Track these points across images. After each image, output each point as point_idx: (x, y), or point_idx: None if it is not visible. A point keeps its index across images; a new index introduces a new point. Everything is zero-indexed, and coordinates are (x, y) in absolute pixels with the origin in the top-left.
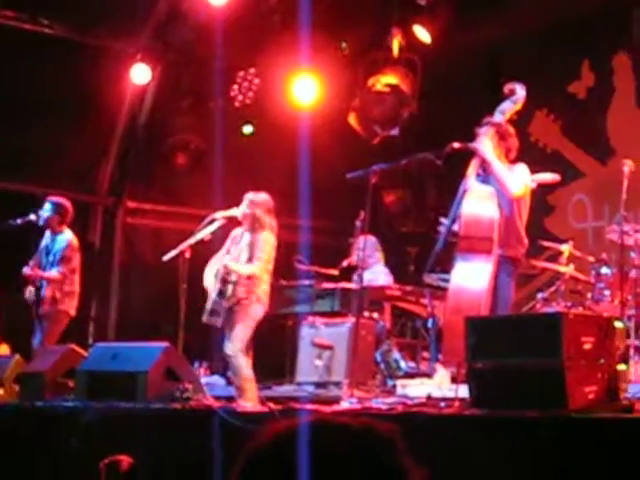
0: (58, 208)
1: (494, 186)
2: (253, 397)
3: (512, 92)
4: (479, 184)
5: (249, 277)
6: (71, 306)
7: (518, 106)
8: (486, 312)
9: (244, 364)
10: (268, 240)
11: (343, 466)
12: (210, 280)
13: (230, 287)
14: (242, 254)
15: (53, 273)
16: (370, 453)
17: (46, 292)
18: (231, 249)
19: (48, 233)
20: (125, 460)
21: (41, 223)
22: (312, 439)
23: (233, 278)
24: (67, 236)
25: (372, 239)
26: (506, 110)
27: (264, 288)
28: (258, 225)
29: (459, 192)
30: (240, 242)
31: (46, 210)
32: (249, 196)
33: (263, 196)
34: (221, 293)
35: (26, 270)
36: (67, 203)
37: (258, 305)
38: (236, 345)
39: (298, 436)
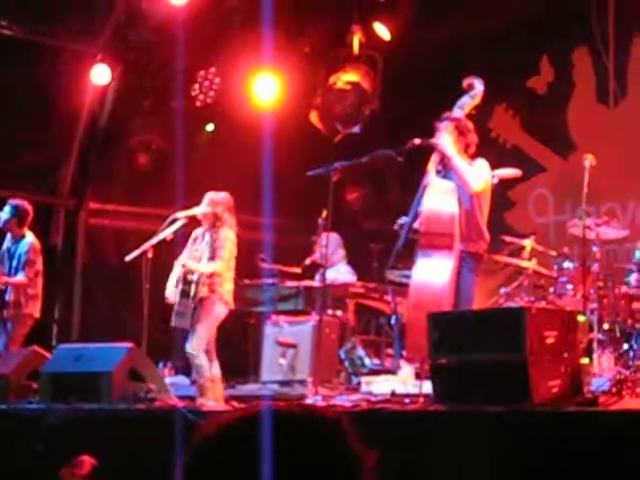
0: (17, 211)
1: (454, 181)
2: (217, 396)
3: (470, 87)
4: (439, 179)
5: (211, 275)
6: (35, 308)
7: (477, 100)
8: (448, 308)
9: (205, 363)
10: (228, 237)
11: (290, 455)
12: (171, 289)
13: (193, 287)
14: (204, 253)
15: (20, 278)
16: (318, 439)
17: (11, 296)
18: (192, 250)
19: (9, 236)
20: (87, 461)
21: (1, 226)
22: (257, 429)
23: (194, 277)
24: (29, 239)
25: (335, 236)
26: (465, 105)
27: (227, 287)
28: (219, 223)
29: (420, 188)
30: (202, 242)
31: (5, 212)
32: (209, 195)
33: (223, 194)
34: (184, 293)
35: None
36: (27, 205)
37: (221, 304)
38: (197, 344)
39: (243, 427)
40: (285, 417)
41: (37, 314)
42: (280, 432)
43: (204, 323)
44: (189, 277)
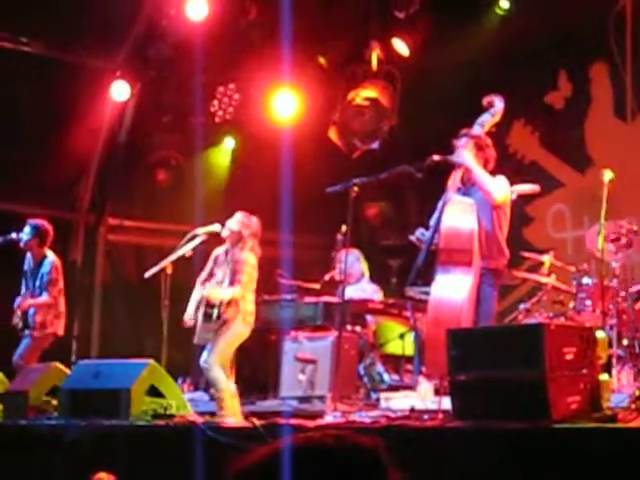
0: (38, 231)
1: (475, 198)
2: (234, 411)
3: (490, 104)
4: (459, 196)
5: (230, 301)
6: (59, 327)
7: (496, 118)
8: (466, 324)
9: (220, 376)
10: (249, 261)
11: None
12: (190, 313)
13: (215, 310)
14: (225, 277)
15: (44, 298)
16: (356, 472)
17: (36, 317)
18: (215, 271)
19: (29, 255)
20: (106, 478)
21: (22, 246)
22: (297, 462)
23: (217, 301)
24: (50, 258)
25: (355, 252)
26: (485, 122)
27: (250, 309)
28: (241, 244)
29: (438, 205)
30: (223, 262)
31: (26, 233)
32: (240, 215)
33: (254, 219)
34: (207, 315)
35: (18, 303)
36: (47, 225)
37: (243, 325)
38: (213, 358)
39: (283, 458)
40: (321, 451)
41: (60, 332)
42: (321, 466)
43: (224, 339)
44: (213, 301)
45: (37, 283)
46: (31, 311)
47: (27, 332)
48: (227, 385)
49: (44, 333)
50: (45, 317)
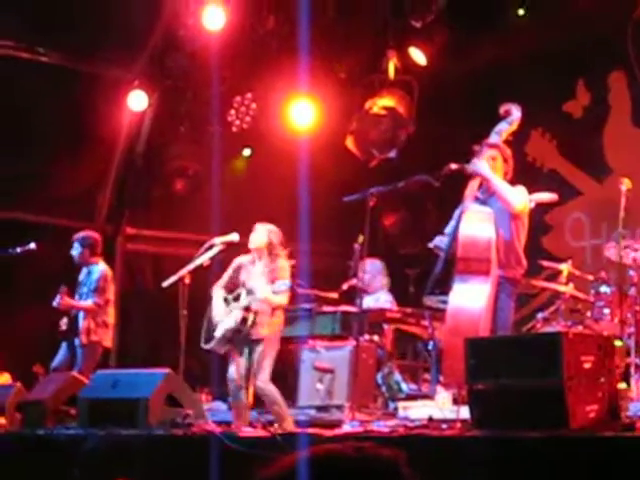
0: (85, 242)
1: (493, 207)
2: (290, 420)
3: (508, 113)
4: (476, 206)
5: (275, 308)
6: (105, 337)
7: (514, 127)
8: (485, 333)
9: (275, 390)
10: (286, 267)
11: None
12: (220, 308)
13: (251, 316)
14: (258, 281)
15: (87, 303)
16: None
17: (83, 323)
18: (241, 280)
19: (83, 268)
20: None
21: (76, 262)
22: (318, 472)
23: (251, 317)
24: (100, 267)
25: (378, 263)
26: (502, 131)
27: (282, 317)
28: (275, 252)
29: (455, 214)
30: (251, 271)
31: (75, 249)
32: (264, 226)
33: (275, 228)
34: (244, 320)
35: (56, 302)
36: (94, 234)
37: (279, 335)
38: (265, 376)
39: (304, 468)
40: (342, 462)
41: (108, 343)
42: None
43: (269, 356)
44: (252, 307)
45: (84, 290)
46: (80, 316)
47: (76, 341)
48: (282, 399)
49: (90, 341)
50: (89, 324)
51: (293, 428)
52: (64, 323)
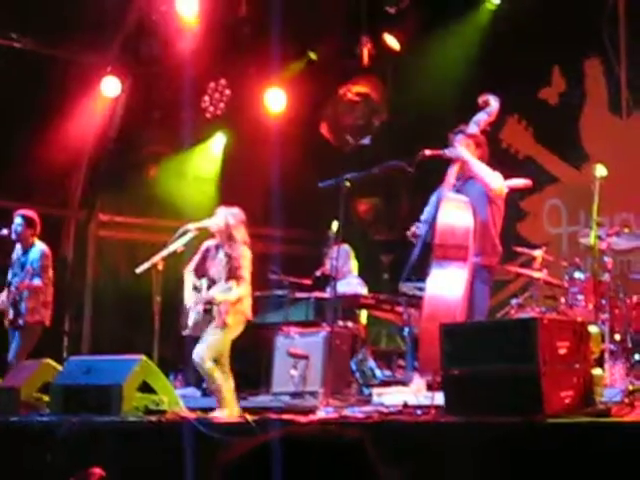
0: (29, 221)
1: (469, 193)
2: (231, 404)
3: (486, 103)
4: (453, 194)
5: (236, 300)
6: (46, 316)
7: (492, 117)
8: (462, 319)
9: (214, 370)
10: (245, 255)
11: (315, 478)
12: (189, 295)
13: (215, 308)
14: (221, 274)
15: (39, 282)
16: (341, 462)
17: (27, 303)
18: (209, 267)
19: (18, 247)
20: (97, 473)
21: (14, 237)
22: (282, 452)
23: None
24: (40, 247)
25: (346, 248)
26: (480, 121)
27: (247, 303)
28: (233, 240)
29: (431, 200)
30: (215, 257)
31: (18, 224)
32: (223, 210)
33: (236, 210)
34: (206, 311)
35: (13, 286)
36: (35, 215)
37: (240, 319)
38: (207, 352)
39: (269, 450)
40: (307, 439)
41: (47, 322)
42: (304, 458)
43: (220, 335)
44: (214, 301)
45: (29, 271)
46: (24, 295)
47: (19, 322)
48: (220, 378)
49: (35, 320)
50: (35, 304)
51: (223, 418)
52: (1, 302)
